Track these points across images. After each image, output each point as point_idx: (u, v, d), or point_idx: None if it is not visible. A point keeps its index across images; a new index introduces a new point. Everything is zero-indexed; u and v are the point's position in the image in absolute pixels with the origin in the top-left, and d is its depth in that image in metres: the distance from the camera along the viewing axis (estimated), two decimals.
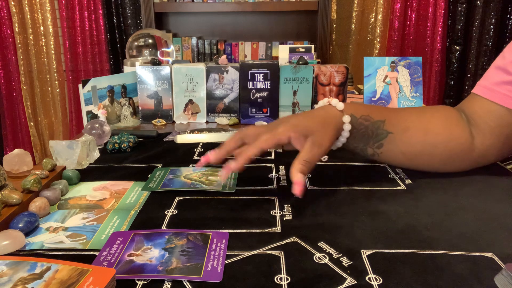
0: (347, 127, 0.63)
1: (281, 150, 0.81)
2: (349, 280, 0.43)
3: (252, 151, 0.57)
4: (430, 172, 0.69)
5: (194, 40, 2.38)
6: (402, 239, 0.50)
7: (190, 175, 0.70)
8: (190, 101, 1.08)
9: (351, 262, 0.46)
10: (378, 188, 0.65)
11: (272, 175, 0.71)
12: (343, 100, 1.07)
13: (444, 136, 0.66)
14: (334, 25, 2.47)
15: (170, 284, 0.43)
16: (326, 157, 0.69)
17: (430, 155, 0.67)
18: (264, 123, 1.04)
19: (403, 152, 0.67)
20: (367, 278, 0.43)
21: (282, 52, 1.60)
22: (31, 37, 2.47)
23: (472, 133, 0.67)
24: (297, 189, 0.55)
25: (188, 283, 0.43)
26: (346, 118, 0.62)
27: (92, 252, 0.49)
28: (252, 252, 0.48)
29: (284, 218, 0.56)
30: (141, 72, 1.07)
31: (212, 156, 0.60)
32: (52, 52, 2.49)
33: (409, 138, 0.66)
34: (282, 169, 0.73)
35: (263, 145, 0.58)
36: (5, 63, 2.53)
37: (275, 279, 0.43)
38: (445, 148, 0.66)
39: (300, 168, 0.57)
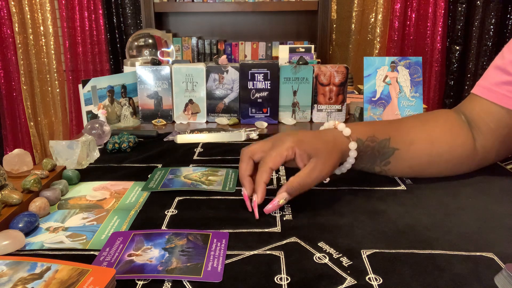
0: (353, 154, 0.61)
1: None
2: (349, 280, 0.43)
3: (264, 176, 0.57)
4: None
5: (194, 40, 2.38)
6: (402, 239, 0.50)
7: (190, 175, 0.70)
8: (190, 101, 1.08)
9: (351, 262, 0.46)
10: (378, 188, 0.65)
11: (272, 175, 0.71)
12: (343, 101, 1.07)
13: (448, 144, 0.66)
14: (334, 25, 2.47)
15: (170, 284, 0.43)
16: (327, 179, 0.68)
17: (436, 164, 0.66)
18: (265, 123, 1.04)
19: (410, 166, 0.66)
20: (367, 278, 0.43)
21: (282, 52, 1.60)
22: (31, 37, 2.47)
23: (474, 136, 0.67)
24: (267, 208, 0.56)
25: (188, 283, 0.43)
26: (353, 145, 0.61)
27: (92, 252, 0.49)
28: (252, 252, 0.48)
29: (284, 218, 0.56)
30: (141, 72, 1.07)
31: (247, 191, 0.59)
32: (52, 52, 2.49)
33: (415, 152, 0.65)
34: (282, 169, 0.73)
35: (272, 166, 0.57)
36: (5, 63, 2.53)
37: (275, 279, 0.43)
38: (451, 156, 0.66)
39: (290, 189, 0.56)
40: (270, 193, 0.64)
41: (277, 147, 0.58)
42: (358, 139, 0.62)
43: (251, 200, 0.58)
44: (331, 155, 0.59)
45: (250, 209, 0.58)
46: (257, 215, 0.56)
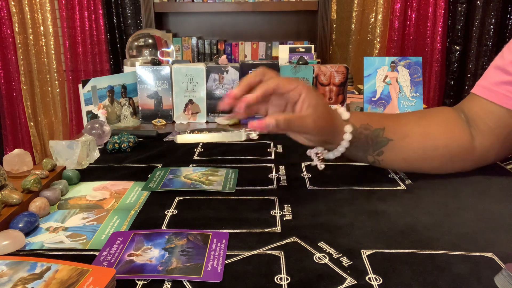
0: (348, 136, 0.62)
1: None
2: (349, 280, 0.43)
3: (271, 84, 0.57)
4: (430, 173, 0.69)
5: (194, 40, 2.38)
6: (402, 239, 0.50)
7: (190, 175, 0.70)
8: (190, 101, 1.08)
9: (351, 262, 0.46)
10: (378, 188, 0.65)
11: (272, 175, 0.71)
12: (343, 100, 1.07)
13: (444, 139, 0.66)
14: (334, 25, 2.47)
15: (170, 284, 0.43)
16: (322, 165, 0.68)
17: (431, 159, 0.66)
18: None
19: (404, 158, 0.66)
20: (367, 278, 0.43)
21: (282, 52, 1.60)
22: (31, 37, 2.47)
23: (472, 134, 0.67)
24: (253, 123, 0.54)
25: (188, 283, 0.43)
26: (348, 128, 0.62)
27: (92, 252, 0.49)
28: (252, 252, 0.48)
29: (284, 218, 0.56)
30: (141, 72, 1.07)
31: (234, 91, 0.58)
32: (52, 52, 2.49)
33: (409, 144, 0.65)
34: (282, 169, 0.73)
35: (280, 83, 0.57)
36: (5, 63, 2.53)
37: (275, 279, 0.43)
38: (446, 151, 0.66)
39: (278, 120, 0.55)
40: (270, 193, 0.64)
41: (290, 78, 0.59)
42: (352, 124, 0.63)
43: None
44: (327, 119, 0.60)
45: (225, 105, 0.57)
46: (242, 108, 0.56)
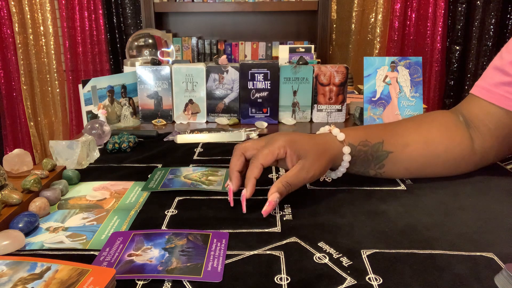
0: (347, 158, 0.62)
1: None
2: (349, 280, 0.43)
3: (255, 171, 0.57)
4: None
5: (194, 40, 2.38)
6: (402, 239, 0.50)
7: (190, 175, 0.70)
8: (190, 101, 1.08)
9: (351, 262, 0.46)
10: (378, 188, 0.65)
11: (272, 175, 0.71)
12: (343, 101, 1.07)
13: (445, 145, 0.66)
14: (334, 25, 2.47)
15: (170, 284, 0.43)
16: (330, 179, 0.69)
17: (433, 166, 0.66)
18: (265, 123, 1.04)
19: (406, 167, 0.66)
20: (367, 278, 0.43)
21: (282, 52, 1.60)
22: (31, 37, 2.47)
23: (472, 137, 0.67)
24: (265, 209, 0.55)
25: (188, 283, 0.43)
26: (346, 149, 0.62)
27: (92, 252, 0.49)
28: (252, 252, 0.48)
29: (284, 218, 0.56)
30: (141, 72, 1.07)
31: (232, 186, 0.59)
32: (52, 52, 2.49)
33: (410, 154, 0.65)
34: (282, 170, 0.73)
35: (263, 162, 0.58)
36: (5, 63, 2.53)
37: (275, 279, 0.43)
38: (447, 157, 0.66)
39: (280, 188, 0.56)
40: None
41: (270, 146, 0.58)
42: (350, 144, 0.62)
43: (235, 195, 0.59)
44: (320, 157, 0.59)
45: (232, 204, 0.59)
46: (244, 209, 0.57)
